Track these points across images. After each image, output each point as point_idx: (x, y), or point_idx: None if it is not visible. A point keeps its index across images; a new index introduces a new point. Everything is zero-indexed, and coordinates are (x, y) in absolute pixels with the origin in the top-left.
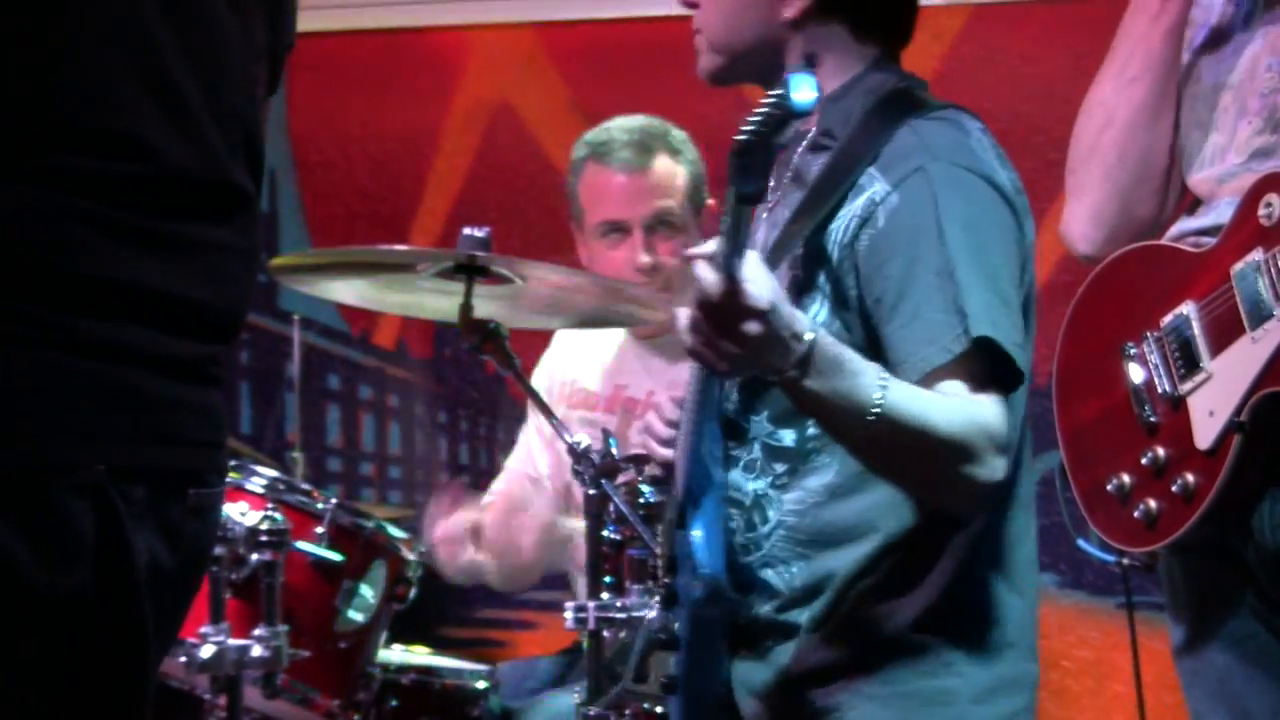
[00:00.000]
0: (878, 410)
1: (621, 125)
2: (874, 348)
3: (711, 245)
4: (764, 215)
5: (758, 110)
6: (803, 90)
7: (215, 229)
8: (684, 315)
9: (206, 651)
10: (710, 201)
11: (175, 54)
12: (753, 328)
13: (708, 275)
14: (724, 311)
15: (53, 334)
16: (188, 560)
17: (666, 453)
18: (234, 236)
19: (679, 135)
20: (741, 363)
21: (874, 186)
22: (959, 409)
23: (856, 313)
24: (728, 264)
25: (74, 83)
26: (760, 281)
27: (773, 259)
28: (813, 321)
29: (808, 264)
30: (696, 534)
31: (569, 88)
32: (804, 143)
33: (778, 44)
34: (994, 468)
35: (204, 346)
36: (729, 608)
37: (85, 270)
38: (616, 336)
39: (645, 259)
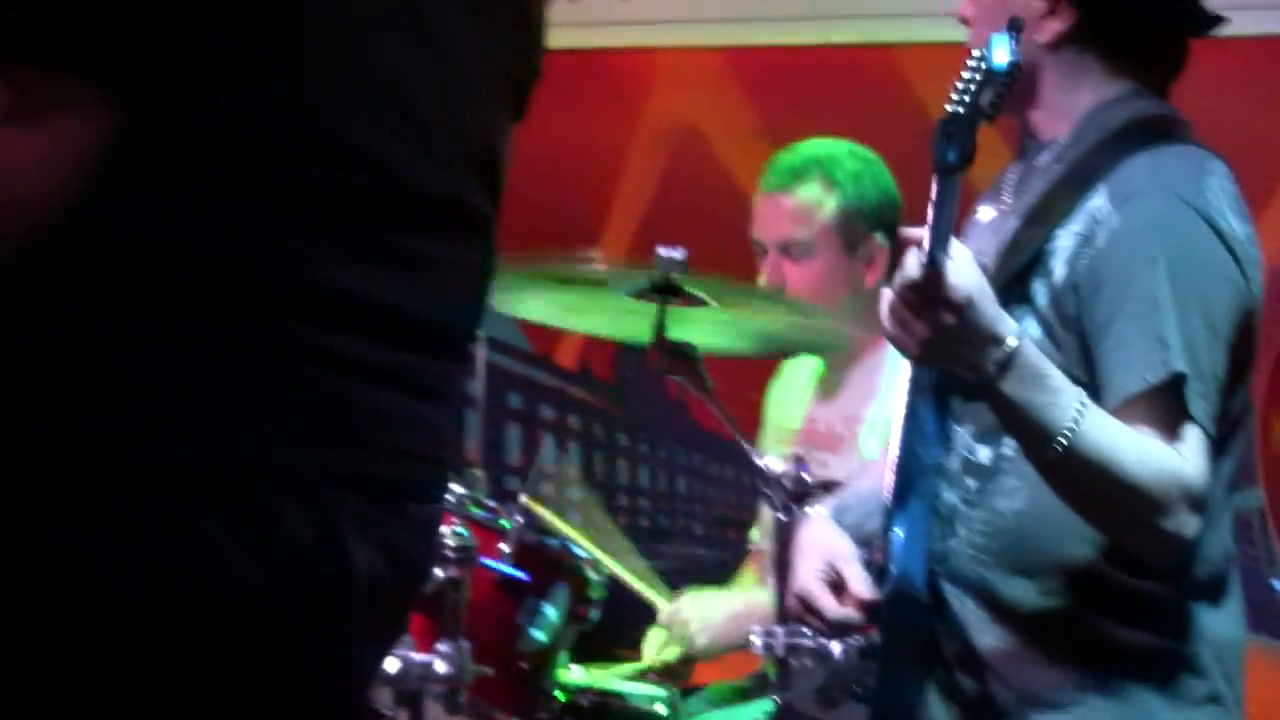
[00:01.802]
0: (1068, 435)
1: (798, 148)
2: (1088, 371)
3: (922, 230)
4: (989, 224)
5: (962, 76)
6: (1000, 50)
7: (445, 247)
8: (886, 297)
9: (390, 665)
10: (879, 239)
11: (416, 73)
12: (946, 318)
13: (911, 260)
14: (920, 296)
15: (279, 341)
16: (405, 574)
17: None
18: (465, 255)
19: (851, 166)
20: (931, 350)
21: (1100, 205)
22: (1155, 454)
23: (1074, 332)
24: (931, 247)
25: (310, 96)
26: (964, 273)
27: (995, 269)
28: (1021, 330)
29: (1027, 276)
30: (897, 533)
31: (757, 113)
32: (1040, 158)
33: (1033, 70)
34: (1183, 522)
35: (432, 362)
36: (922, 614)
37: (313, 280)
38: (815, 370)
39: (764, 281)
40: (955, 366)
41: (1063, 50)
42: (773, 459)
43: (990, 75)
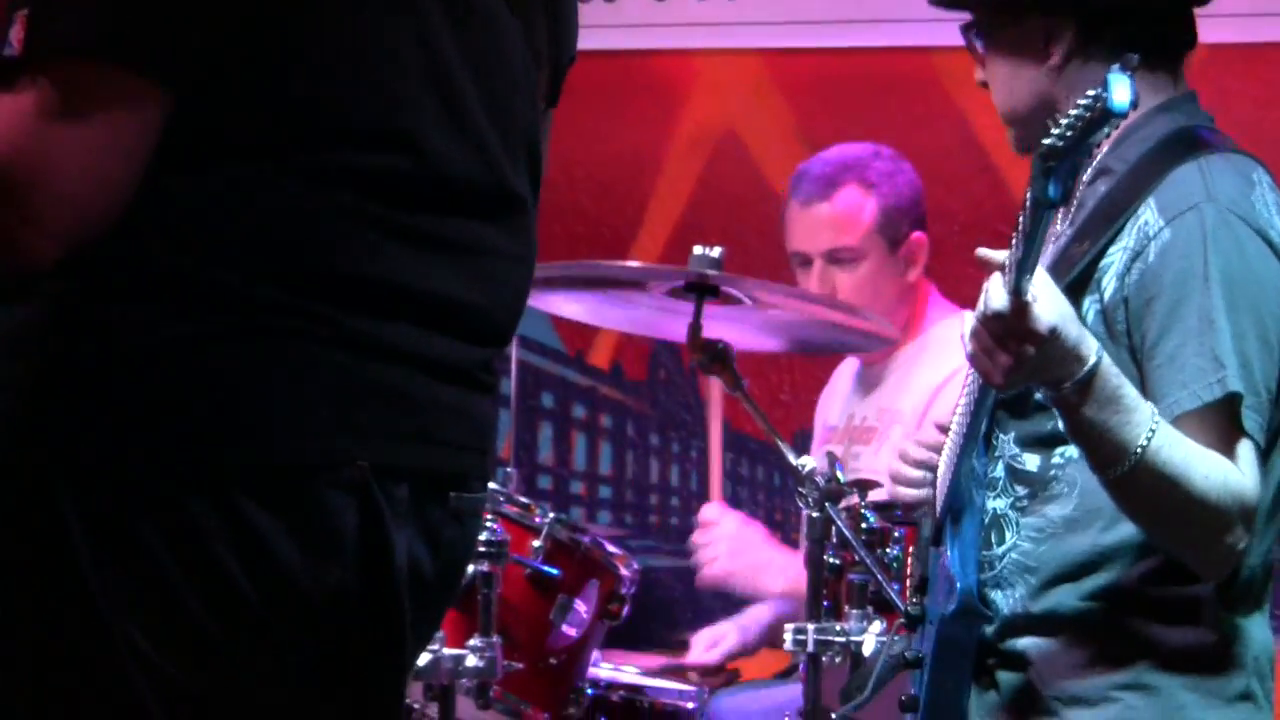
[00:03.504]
0: (1139, 452)
1: (823, 156)
2: (1138, 385)
3: (1004, 254)
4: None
5: (1070, 112)
6: (1120, 90)
7: (490, 232)
8: (968, 321)
9: (422, 659)
10: (917, 235)
11: (457, 59)
12: (1029, 351)
13: (995, 287)
14: (1005, 328)
15: (323, 330)
16: (447, 564)
17: (909, 494)
18: (508, 241)
19: (882, 166)
20: (1016, 378)
21: (1149, 220)
22: (1218, 471)
23: (1125, 347)
24: (1017, 278)
25: (357, 82)
26: (1047, 302)
27: None
28: (1100, 349)
29: (1078, 291)
30: (952, 552)
31: (795, 117)
32: (1085, 173)
33: (1051, 98)
34: (1237, 538)
35: (474, 350)
36: (979, 628)
37: (359, 268)
38: (853, 367)
39: (815, 290)
40: (1036, 388)
41: (1073, 64)
42: (806, 458)
43: (1107, 115)
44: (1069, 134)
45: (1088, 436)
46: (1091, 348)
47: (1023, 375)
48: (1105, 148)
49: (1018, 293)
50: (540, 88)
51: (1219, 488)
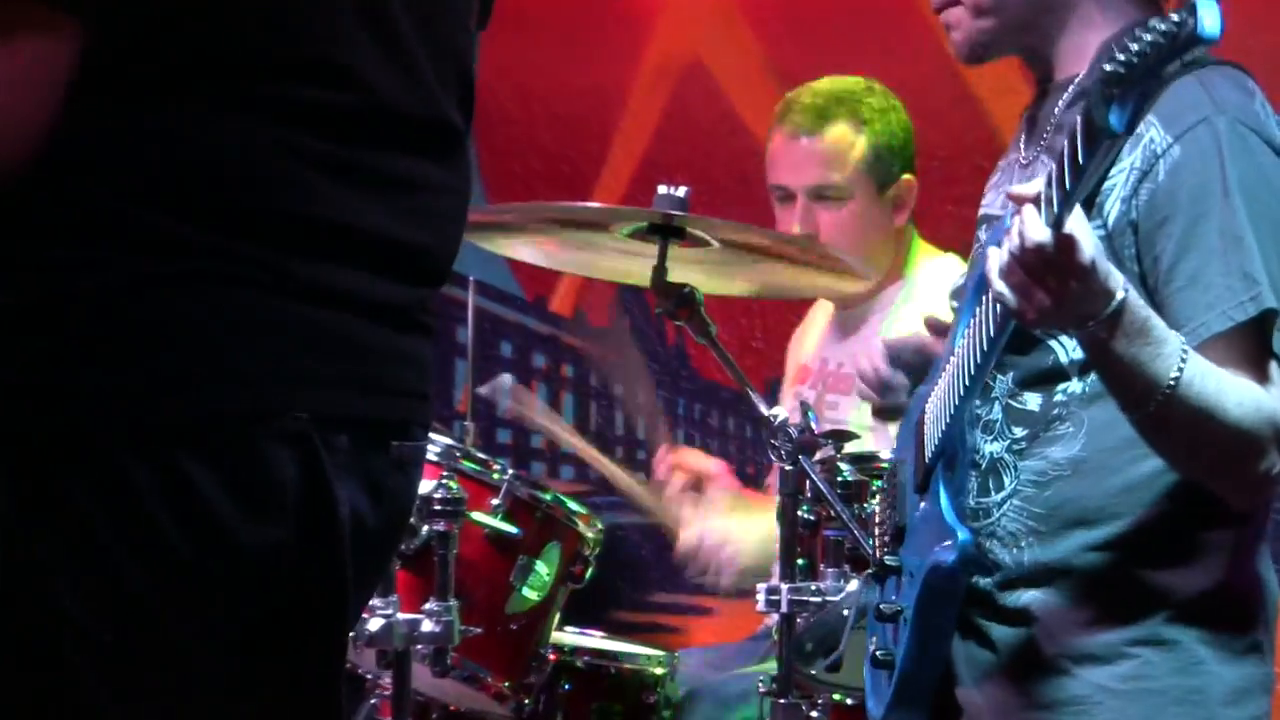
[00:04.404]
0: (1172, 385)
1: (813, 87)
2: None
3: (1037, 184)
4: (1016, 174)
5: (1144, 37)
6: (1209, 15)
7: (427, 166)
8: (994, 257)
9: (374, 624)
10: (907, 177)
11: None
12: (1073, 285)
13: (1033, 221)
14: (1046, 263)
15: (259, 273)
16: (390, 515)
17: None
18: (447, 175)
19: (876, 103)
20: (1051, 316)
21: (1154, 137)
22: (1251, 397)
23: (1134, 274)
24: (1060, 211)
25: (284, 9)
26: (1085, 234)
27: None
28: (1127, 281)
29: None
30: (946, 500)
31: (765, 47)
32: (1066, 95)
33: (1038, 11)
34: (1272, 463)
35: (414, 290)
36: (968, 576)
37: (295, 207)
38: (828, 309)
39: (797, 229)
40: (1066, 328)
41: None
42: (778, 408)
43: (1193, 42)
44: (1140, 60)
45: (1118, 374)
46: (1118, 280)
47: (1059, 312)
48: (1082, 69)
49: (1059, 225)
50: (471, 11)
51: (1253, 414)
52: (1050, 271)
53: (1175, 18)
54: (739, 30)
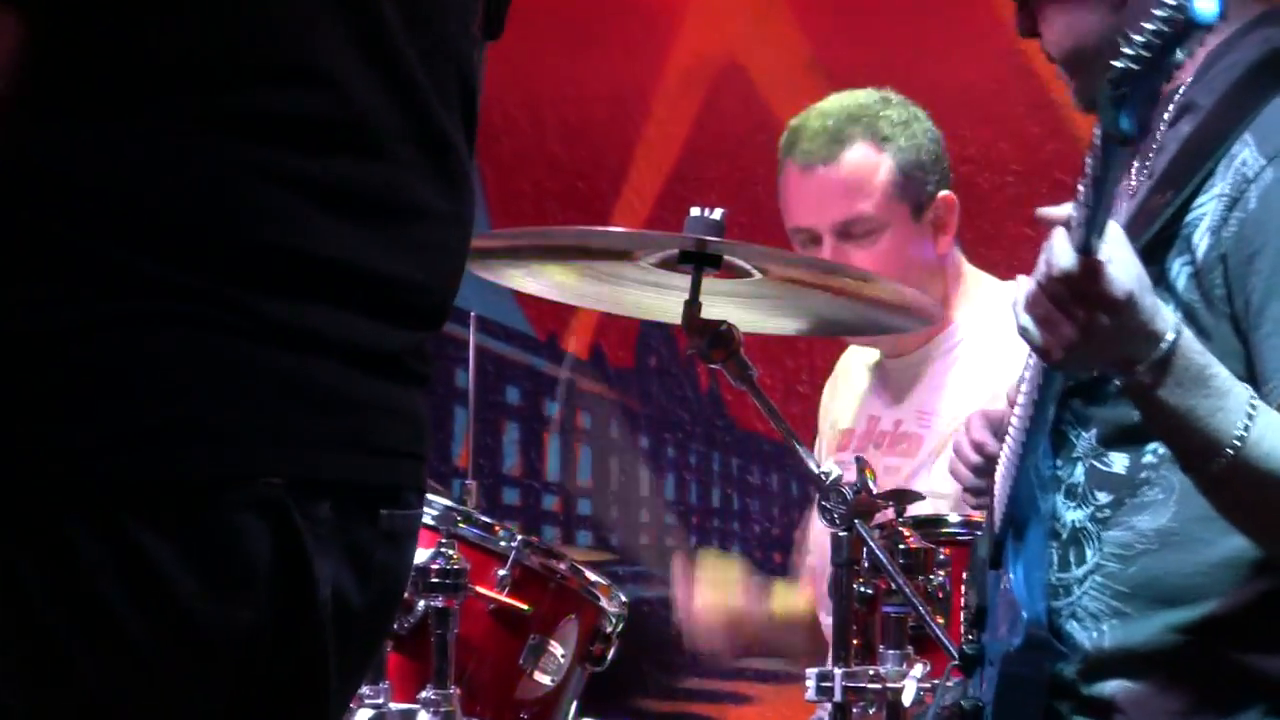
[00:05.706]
0: (1238, 444)
1: (820, 108)
2: (1243, 360)
3: (1067, 208)
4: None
5: (1144, 26)
6: None
7: (420, 187)
8: (1023, 286)
9: (363, 717)
10: (944, 194)
11: None
12: (1102, 320)
13: (1061, 246)
14: (1072, 293)
15: (227, 314)
16: (379, 594)
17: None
18: (441, 197)
19: (896, 115)
20: (1080, 356)
21: (1247, 157)
22: None
23: (1225, 315)
24: (1087, 233)
25: (268, 16)
26: (1122, 263)
27: None
28: (1179, 323)
29: (1162, 251)
30: (1015, 574)
31: (810, 44)
32: (1168, 109)
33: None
34: None
35: (407, 334)
36: (1051, 665)
37: (268, 238)
38: (870, 359)
39: None
40: (1104, 370)
41: None
42: (829, 464)
43: (1190, 27)
44: (1143, 53)
45: (1170, 427)
46: (1169, 321)
47: (1090, 351)
48: (1188, 79)
49: (1087, 250)
50: (475, 14)
51: None
52: (1077, 302)
53: (1171, 2)
54: (781, 26)
